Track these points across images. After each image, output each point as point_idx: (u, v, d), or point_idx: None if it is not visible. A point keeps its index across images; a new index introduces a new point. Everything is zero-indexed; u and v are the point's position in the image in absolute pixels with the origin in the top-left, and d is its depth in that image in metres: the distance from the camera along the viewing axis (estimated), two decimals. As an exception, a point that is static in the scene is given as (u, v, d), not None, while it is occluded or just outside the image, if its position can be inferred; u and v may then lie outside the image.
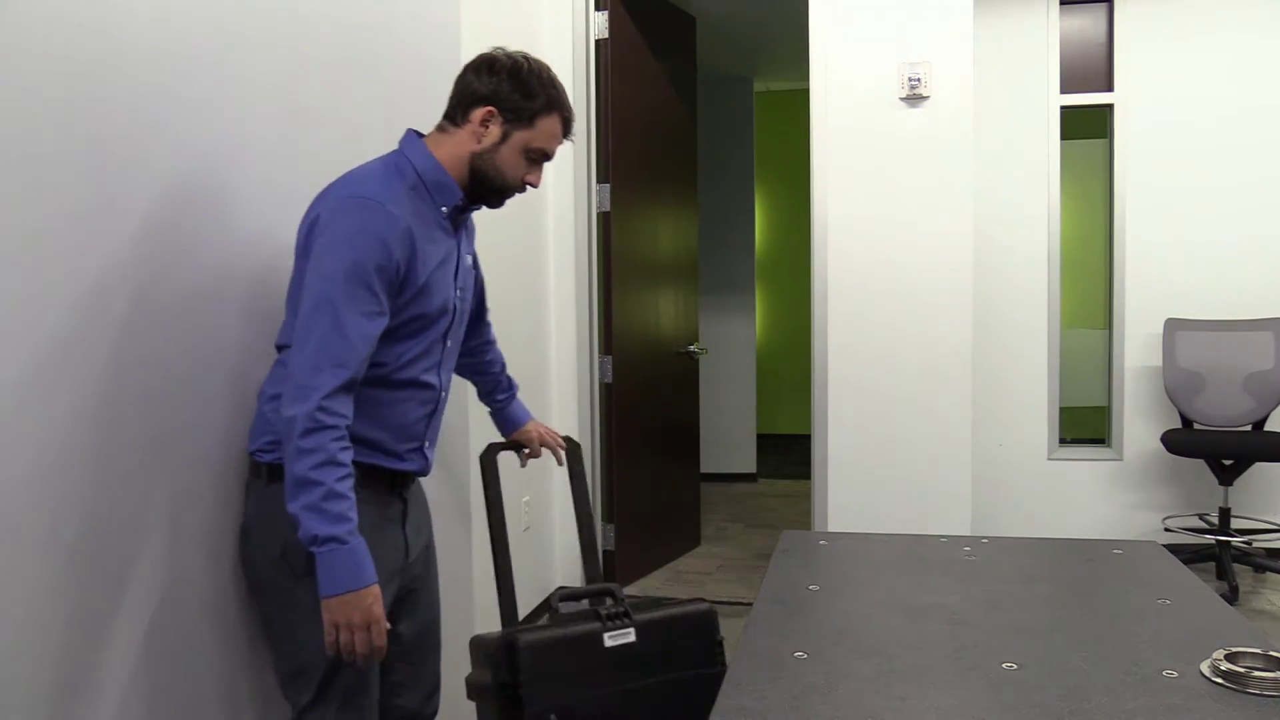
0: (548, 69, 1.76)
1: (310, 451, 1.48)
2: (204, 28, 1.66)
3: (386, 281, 1.59)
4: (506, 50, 1.75)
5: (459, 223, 1.79)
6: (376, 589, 1.54)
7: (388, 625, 1.57)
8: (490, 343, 2.21)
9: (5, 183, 1.27)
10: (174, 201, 1.59)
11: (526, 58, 1.74)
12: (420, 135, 1.76)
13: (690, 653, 2.12)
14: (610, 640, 2.02)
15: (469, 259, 1.86)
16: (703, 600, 2.20)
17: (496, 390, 2.24)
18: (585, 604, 2.12)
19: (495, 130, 1.71)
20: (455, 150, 1.72)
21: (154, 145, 1.54)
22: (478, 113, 1.70)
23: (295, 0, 1.93)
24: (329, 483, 1.48)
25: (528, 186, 1.79)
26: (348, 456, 1.52)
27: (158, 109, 1.55)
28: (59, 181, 1.36)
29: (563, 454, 2.30)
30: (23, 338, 1.30)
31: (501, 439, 2.29)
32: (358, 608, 1.51)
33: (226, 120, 1.72)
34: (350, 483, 1.52)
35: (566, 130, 1.78)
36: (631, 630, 2.04)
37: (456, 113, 1.73)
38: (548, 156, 1.78)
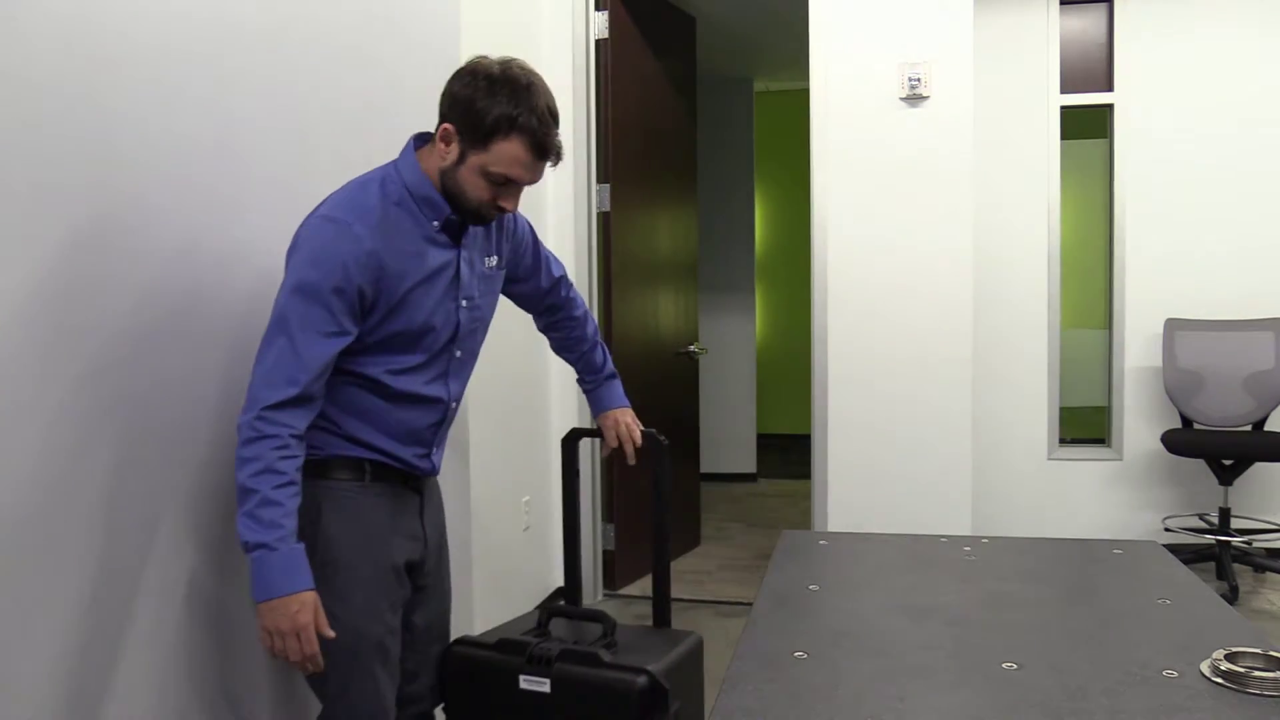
0: (525, 83, 1.57)
1: (249, 460, 1.50)
2: (202, 27, 1.66)
3: (347, 303, 1.57)
4: (492, 59, 1.60)
5: (460, 234, 1.71)
6: (307, 596, 1.52)
7: (331, 634, 1.55)
8: (573, 318, 2.07)
9: (6, 181, 1.27)
10: (176, 199, 1.59)
11: (506, 67, 1.58)
12: (423, 141, 1.69)
13: None
14: (525, 683, 1.85)
15: (489, 262, 1.79)
16: (644, 671, 1.81)
17: (586, 372, 2.13)
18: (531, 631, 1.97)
19: (455, 149, 1.61)
20: (431, 165, 1.65)
21: (155, 143, 1.54)
22: (440, 129, 1.62)
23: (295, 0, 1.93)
24: (264, 490, 1.49)
25: (504, 209, 1.66)
26: (289, 465, 1.52)
27: (158, 108, 1.55)
28: (61, 181, 1.36)
29: (631, 450, 2.12)
30: (27, 338, 1.30)
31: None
32: (284, 615, 1.50)
33: (225, 119, 1.72)
34: (290, 490, 1.52)
35: (540, 154, 1.60)
36: (547, 681, 1.83)
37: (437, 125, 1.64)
38: (513, 182, 1.62)
